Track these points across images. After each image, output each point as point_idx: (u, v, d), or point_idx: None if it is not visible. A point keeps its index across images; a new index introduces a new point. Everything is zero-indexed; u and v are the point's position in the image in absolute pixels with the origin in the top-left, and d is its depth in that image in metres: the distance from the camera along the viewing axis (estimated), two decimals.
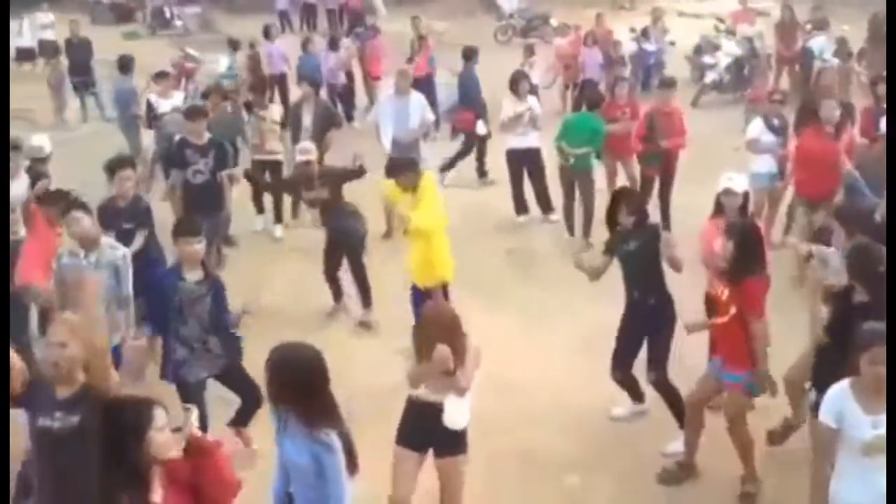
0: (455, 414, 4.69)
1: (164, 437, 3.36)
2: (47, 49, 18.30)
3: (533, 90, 11.36)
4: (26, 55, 18.46)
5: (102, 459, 3.29)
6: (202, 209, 7.82)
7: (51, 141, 8.40)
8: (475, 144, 11.93)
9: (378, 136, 10.21)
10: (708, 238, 6.12)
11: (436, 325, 4.75)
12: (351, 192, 8.16)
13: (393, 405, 5.04)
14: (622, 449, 6.08)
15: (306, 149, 8.14)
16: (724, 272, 5.35)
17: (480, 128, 11.74)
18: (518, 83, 10.26)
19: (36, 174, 7.72)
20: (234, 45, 15.49)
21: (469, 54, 12.81)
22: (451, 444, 4.77)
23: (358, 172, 7.91)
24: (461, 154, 12.02)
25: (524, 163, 10.30)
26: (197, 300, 5.62)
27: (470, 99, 12.30)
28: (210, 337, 5.70)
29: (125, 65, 12.20)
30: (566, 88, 15.89)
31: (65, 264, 6.01)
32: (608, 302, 6.46)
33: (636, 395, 6.38)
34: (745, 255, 5.28)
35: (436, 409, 4.69)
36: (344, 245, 7.95)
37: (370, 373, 6.81)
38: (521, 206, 10.58)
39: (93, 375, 4.07)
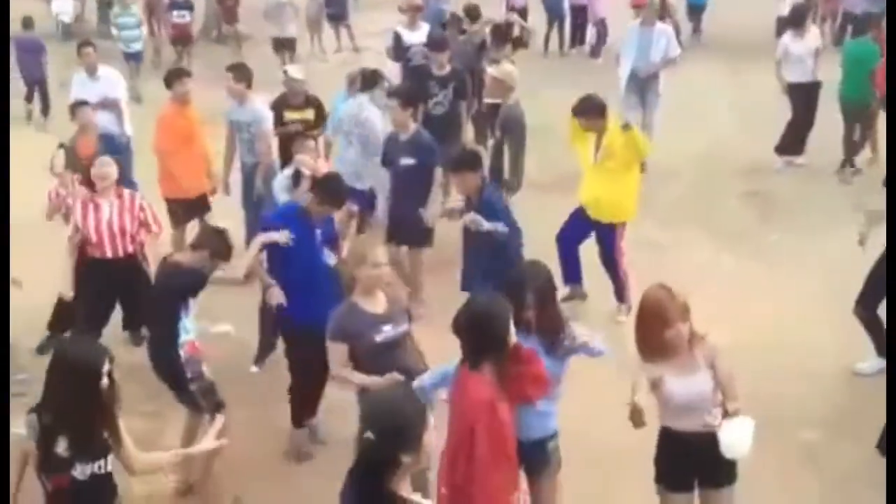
0: (736, 441, 3.74)
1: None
2: None
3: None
4: None
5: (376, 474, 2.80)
6: (441, 142, 7.55)
7: (306, 69, 8.84)
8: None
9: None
10: None
11: (653, 316, 3.81)
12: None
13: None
14: (864, 408, 5.60)
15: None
16: None
17: None
18: (803, 18, 9.78)
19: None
20: None
21: None
22: (724, 474, 3.94)
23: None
24: None
25: (807, 98, 9.74)
26: None
27: None
28: None
29: None
30: (824, 21, 14.76)
31: None
32: (855, 248, 5.94)
33: (880, 345, 5.92)
34: None
35: (703, 438, 3.80)
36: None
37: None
38: (799, 147, 9.99)
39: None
